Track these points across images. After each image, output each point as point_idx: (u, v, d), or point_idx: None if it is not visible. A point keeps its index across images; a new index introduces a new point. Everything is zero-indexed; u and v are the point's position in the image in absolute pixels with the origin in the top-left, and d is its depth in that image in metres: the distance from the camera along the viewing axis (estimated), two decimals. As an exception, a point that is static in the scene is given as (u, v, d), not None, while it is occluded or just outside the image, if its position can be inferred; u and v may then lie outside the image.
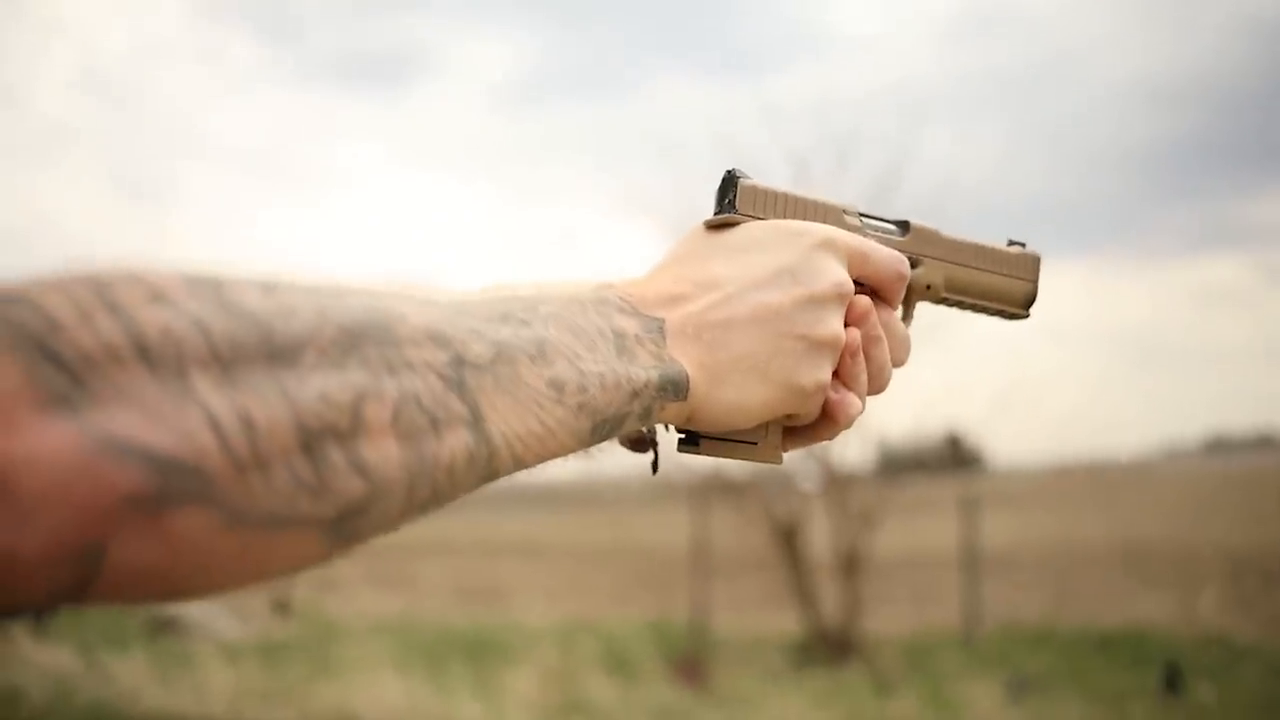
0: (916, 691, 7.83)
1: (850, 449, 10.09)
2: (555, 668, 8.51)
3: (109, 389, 0.44)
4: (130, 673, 8.12)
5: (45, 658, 8.34)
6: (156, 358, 0.45)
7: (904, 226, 0.91)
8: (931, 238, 0.92)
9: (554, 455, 0.63)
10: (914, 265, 0.90)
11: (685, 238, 0.80)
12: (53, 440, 0.42)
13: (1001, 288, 0.96)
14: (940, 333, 8.99)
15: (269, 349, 0.49)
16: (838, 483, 10.18)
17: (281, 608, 11.66)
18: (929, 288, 0.92)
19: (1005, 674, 8.10)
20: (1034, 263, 0.98)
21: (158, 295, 0.47)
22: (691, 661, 8.96)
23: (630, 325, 0.70)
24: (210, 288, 0.49)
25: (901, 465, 12.96)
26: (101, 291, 0.45)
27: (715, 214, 0.81)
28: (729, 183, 0.81)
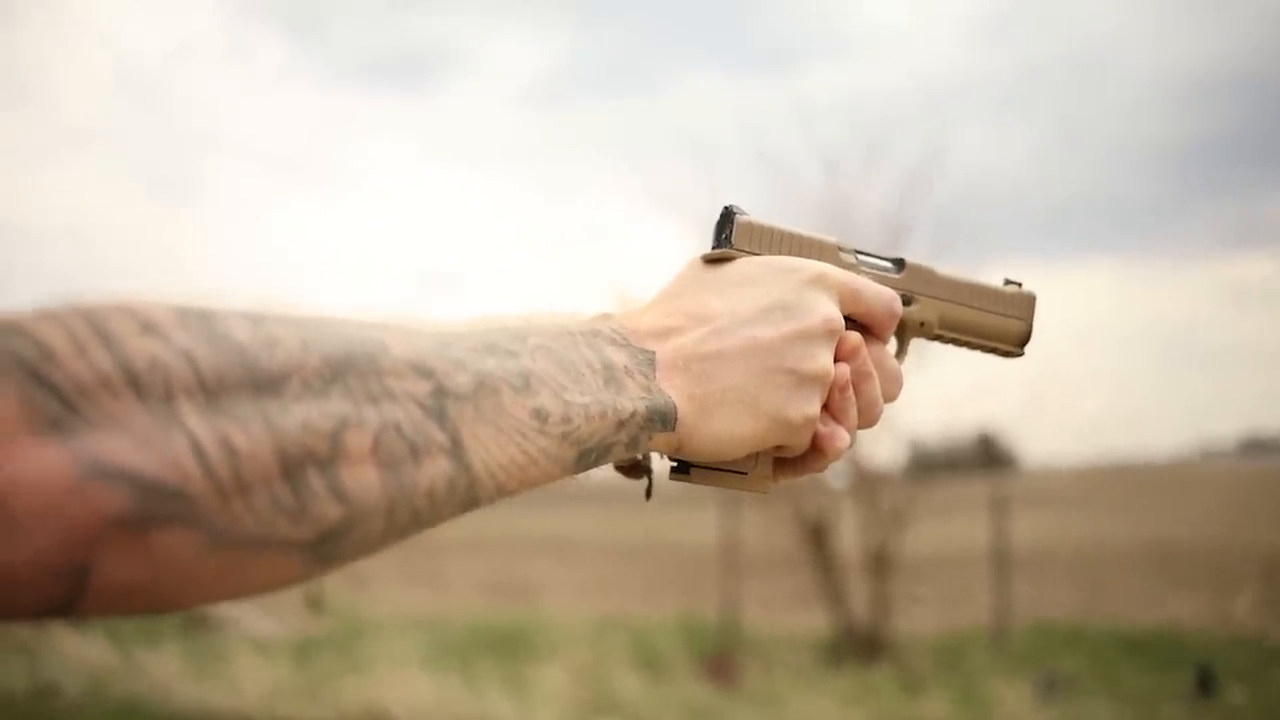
0: (946, 691, 7.80)
1: (881, 447, 10.07)
2: (585, 665, 8.53)
3: (99, 415, 0.46)
4: (164, 668, 8.20)
5: (80, 652, 8.44)
6: (145, 386, 0.48)
7: (899, 264, 0.92)
8: (926, 275, 0.93)
9: (538, 483, 0.65)
10: (908, 302, 0.91)
11: (681, 272, 0.82)
12: (45, 463, 0.44)
13: (996, 326, 0.97)
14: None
15: (253, 379, 0.51)
16: (868, 481, 10.16)
17: (314, 604, 11.73)
18: (923, 324, 0.93)
19: (1035, 674, 8.05)
20: (1029, 302, 0.99)
21: (148, 326, 0.49)
22: (721, 659, 8.96)
23: (620, 357, 0.72)
24: (199, 319, 0.51)
25: (933, 464, 12.90)
26: (95, 322, 0.48)
27: (713, 248, 0.83)
28: (726, 219, 0.83)
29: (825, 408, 0.80)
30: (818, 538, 9.80)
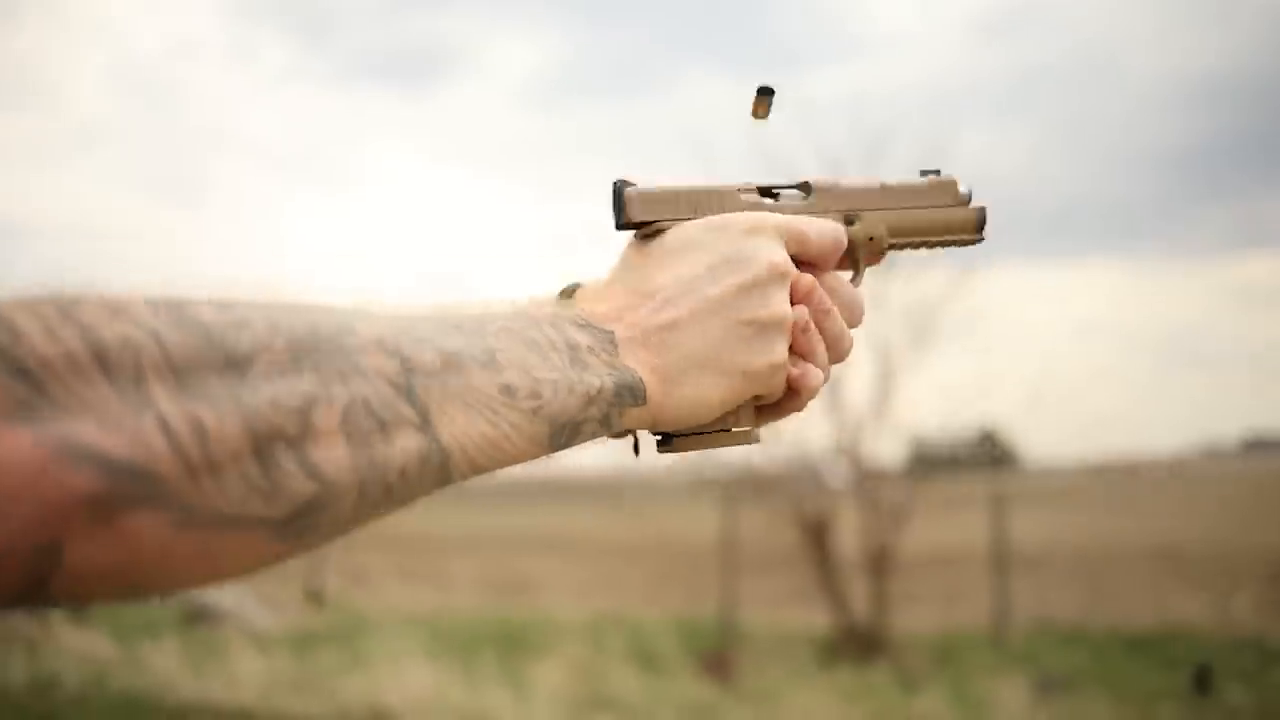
0: (944, 689, 7.80)
1: (881, 445, 10.08)
2: (584, 661, 8.54)
3: (68, 397, 0.46)
4: (163, 661, 8.22)
5: (81, 645, 8.46)
6: (114, 367, 0.48)
7: (805, 188, 0.90)
8: (835, 190, 0.90)
9: (513, 459, 0.66)
10: (850, 223, 0.89)
11: (623, 252, 0.83)
12: (12, 445, 0.45)
13: (943, 219, 0.95)
14: (973, 328, 8.95)
15: (222, 359, 0.52)
16: (868, 479, 10.16)
17: (314, 599, 11.75)
18: (872, 239, 0.91)
19: (1034, 673, 8.06)
20: (953, 186, 0.95)
21: (117, 311, 0.50)
22: (719, 657, 8.97)
23: (583, 338, 0.72)
24: (168, 305, 0.52)
25: (933, 462, 12.89)
26: (66, 308, 0.48)
27: (616, 227, 0.82)
28: (616, 195, 0.82)
29: (792, 349, 0.80)
30: (817, 535, 9.81)
